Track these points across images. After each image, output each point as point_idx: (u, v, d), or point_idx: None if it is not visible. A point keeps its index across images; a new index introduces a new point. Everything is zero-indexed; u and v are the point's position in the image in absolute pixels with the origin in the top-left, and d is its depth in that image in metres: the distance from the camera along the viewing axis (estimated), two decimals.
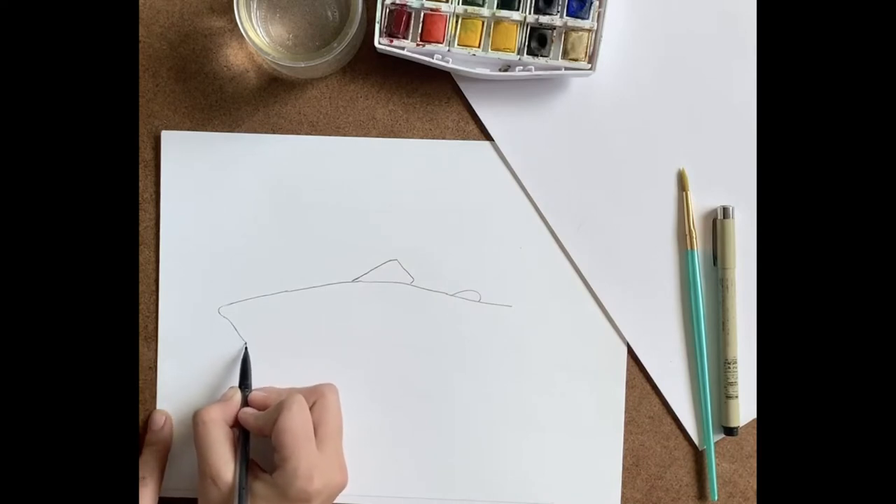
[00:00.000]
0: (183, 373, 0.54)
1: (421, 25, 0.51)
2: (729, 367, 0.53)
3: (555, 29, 0.51)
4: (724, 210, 0.53)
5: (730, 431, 0.53)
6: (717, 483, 0.54)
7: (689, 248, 0.53)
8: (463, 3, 0.51)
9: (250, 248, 0.54)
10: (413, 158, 0.54)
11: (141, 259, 0.54)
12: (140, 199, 0.54)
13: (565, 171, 0.54)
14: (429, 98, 0.54)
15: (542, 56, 0.52)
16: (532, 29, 0.51)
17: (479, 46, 0.52)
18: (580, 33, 0.51)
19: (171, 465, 0.53)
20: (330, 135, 0.54)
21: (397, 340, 0.54)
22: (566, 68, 0.51)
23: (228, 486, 0.48)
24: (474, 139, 0.54)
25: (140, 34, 0.53)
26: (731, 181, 0.54)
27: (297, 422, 0.47)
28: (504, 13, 0.51)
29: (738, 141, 0.54)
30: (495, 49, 0.51)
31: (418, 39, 0.51)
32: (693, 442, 0.54)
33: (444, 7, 0.51)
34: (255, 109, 0.54)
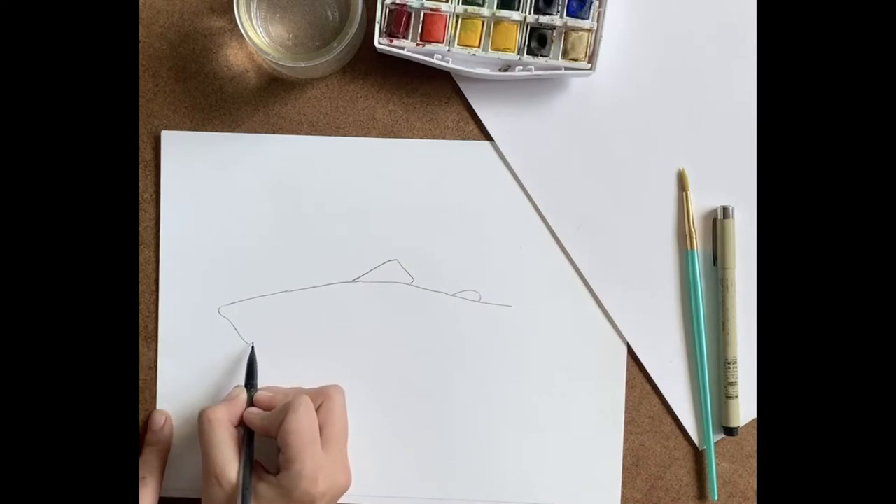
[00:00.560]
0: (183, 373, 0.54)
1: (421, 25, 0.51)
2: (729, 367, 0.53)
3: (555, 29, 0.52)
4: (724, 210, 0.53)
5: (730, 431, 0.53)
6: (717, 483, 0.54)
7: (689, 248, 0.53)
8: (463, 3, 0.51)
9: (250, 248, 0.54)
10: (413, 158, 0.54)
11: (141, 259, 0.54)
12: (140, 199, 0.54)
13: (565, 171, 0.54)
14: (429, 98, 0.54)
15: (542, 56, 0.52)
16: (532, 29, 0.51)
17: (479, 46, 0.52)
18: (580, 33, 0.51)
19: (171, 465, 0.53)
20: (330, 135, 0.54)
21: (397, 340, 0.54)
22: (566, 68, 0.51)
23: (232, 486, 0.48)
24: (474, 139, 0.54)
25: (140, 34, 0.53)
26: (731, 181, 0.54)
27: (303, 423, 0.47)
28: (504, 13, 0.51)
29: (738, 141, 0.54)
30: (495, 49, 0.51)
31: (418, 39, 0.51)
32: (693, 442, 0.54)
33: (444, 7, 0.51)
34: (255, 109, 0.54)
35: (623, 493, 0.54)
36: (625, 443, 0.54)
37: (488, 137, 0.54)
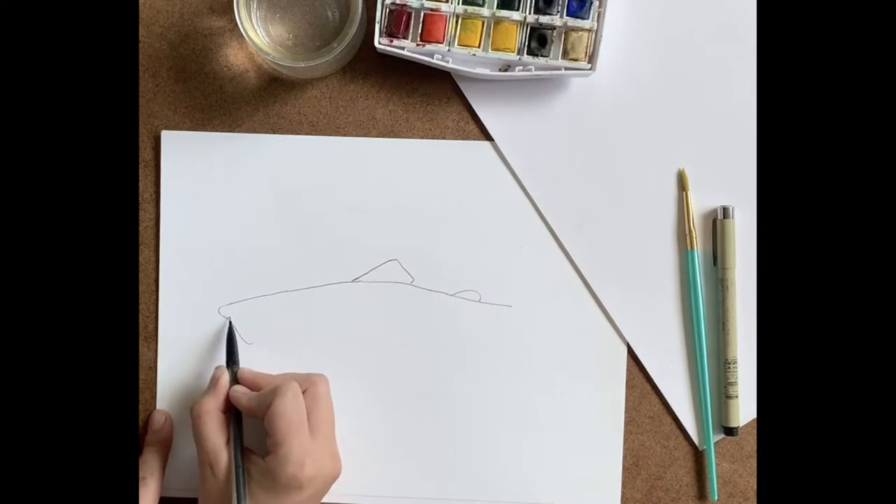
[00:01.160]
0: (183, 373, 0.54)
1: (421, 25, 0.51)
2: (729, 367, 0.53)
3: (555, 29, 0.52)
4: (724, 210, 0.53)
5: (730, 431, 0.53)
6: (717, 483, 0.54)
7: (689, 248, 0.53)
8: (463, 3, 0.51)
9: (250, 248, 0.54)
10: (413, 158, 0.54)
11: (141, 259, 0.54)
12: (140, 199, 0.54)
13: (565, 171, 0.54)
14: (429, 98, 0.54)
15: (542, 56, 0.52)
16: (532, 29, 0.51)
17: (479, 46, 0.52)
18: (580, 33, 0.51)
19: (171, 465, 0.53)
20: (330, 135, 0.54)
21: (397, 340, 0.54)
22: (566, 68, 0.51)
23: (224, 472, 0.48)
24: (474, 139, 0.54)
25: (140, 34, 0.53)
26: (731, 181, 0.54)
27: (291, 408, 0.47)
28: (504, 13, 0.51)
29: (738, 141, 0.54)
30: (495, 49, 0.51)
31: (418, 39, 0.51)
32: (693, 442, 0.54)
33: (444, 7, 0.51)
34: (255, 109, 0.54)
35: (623, 493, 0.54)
36: (625, 443, 0.54)
37: (488, 137, 0.54)
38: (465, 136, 0.54)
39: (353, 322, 0.54)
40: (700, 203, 0.54)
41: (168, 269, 0.54)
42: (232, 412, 0.50)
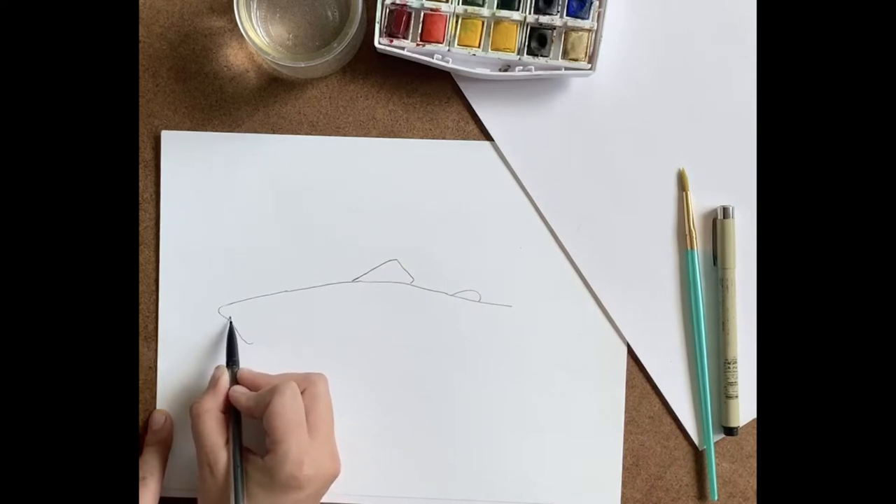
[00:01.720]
0: (183, 373, 0.54)
1: (421, 25, 0.51)
2: (729, 367, 0.53)
3: (555, 29, 0.52)
4: (724, 210, 0.53)
5: (730, 431, 0.53)
6: (717, 483, 0.54)
7: (689, 248, 0.53)
8: (463, 3, 0.51)
9: (250, 248, 0.54)
10: (413, 158, 0.54)
11: (141, 259, 0.54)
12: (140, 199, 0.54)
13: (565, 171, 0.54)
14: (429, 98, 0.54)
15: (542, 56, 0.52)
16: (532, 29, 0.51)
17: (479, 46, 0.52)
18: (580, 33, 0.51)
19: (171, 465, 0.53)
20: (330, 135, 0.54)
21: (397, 340, 0.54)
22: (566, 68, 0.51)
23: (223, 471, 0.48)
24: (474, 139, 0.54)
25: (140, 34, 0.53)
26: (731, 181, 0.54)
27: (289, 407, 0.47)
28: (504, 13, 0.51)
29: (738, 141, 0.54)
30: (495, 49, 0.51)
31: (418, 39, 0.51)
32: (693, 442, 0.54)
33: (444, 7, 0.51)
34: (255, 109, 0.54)
35: (623, 493, 0.54)
36: (625, 443, 0.54)
37: (488, 137, 0.54)
38: (465, 136, 0.54)
39: (353, 322, 0.54)
40: (700, 203, 0.54)
41: (168, 269, 0.54)
42: (231, 412, 0.50)
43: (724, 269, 0.53)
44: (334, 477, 0.50)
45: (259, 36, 0.50)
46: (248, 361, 0.53)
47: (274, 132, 0.54)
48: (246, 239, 0.54)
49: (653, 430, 0.54)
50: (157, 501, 0.51)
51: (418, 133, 0.54)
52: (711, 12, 0.53)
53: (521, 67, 0.52)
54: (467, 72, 0.52)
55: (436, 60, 0.52)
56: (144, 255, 0.54)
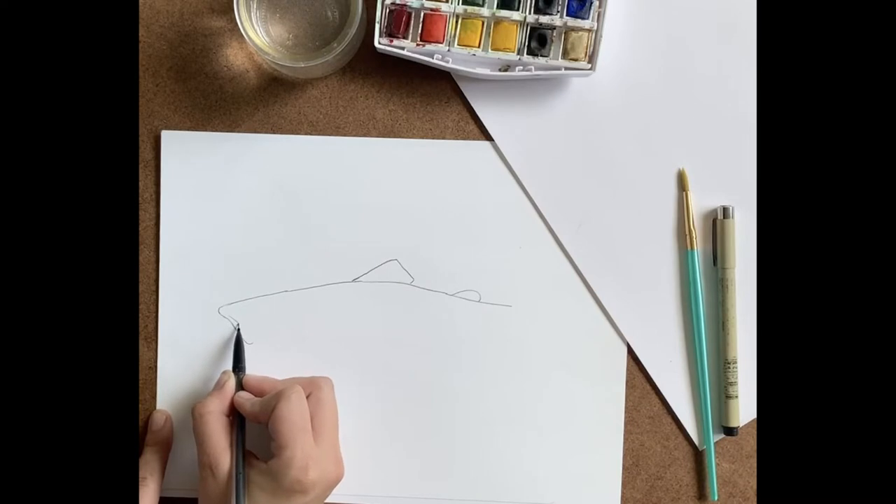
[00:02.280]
0: (183, 373, 0.54)
1: (421, 25, 0.51)
2: (729, 367, 0.53)
3: (555, 29, 0.52)
4: (724, 210, 0.53)
5: (730, 431, 0.53)
6: (717, 483, 0.54)
7: (689, 248, 0.53)
8: (463, 3, 0.51)
9: (250, 248, 0.54)
10: (413, 158, 0.54)
11: (141, 259, 0.54)
12: (140, 199, 0.54)
13: (565, 171, 0.54)
14: (429, 98, 0.54)
15: (542, 56, 0.52)
16: (532, 29, 0.51)
17: (479, 46, 0.52)
18: (580, 33, 0.51)
19: (171, 465, 0.53)
20: (330, 135, 0.54)
21: (397, 340, 0.54)
22: (566, 68, 0.51)
23: (226, 475, 0.48)
24: (474, 139, 0.54)
25: (140, 34, 0.53)
26: (731, 181, 0.54)
27: (295, 412, 0.47)
28: (504, 13, 0.51)
29: (738, 141, 0.54)
30: (495, 49, 0.51)
31: (418, 39, 0.51)
32: (693, 442, 0.54)
33: (444, 7, 0.51)
34: (255, 109, 0.54)
35: (623, 493, 0.54)
36: (625, 443, 0.54)
37: (488, 137, 0.54)
38: (465, 136, 0.54)
39: (353, 322, 0.54)
40: (700, 203, 0.54)
41: (168, 269, 0.54)
42: (236, 418, 0.50)
43: (724, 269, 0.53)
44: (338, 481, 0.49)
45: (259, 36, 0.50)
46: (248, 361, 0.53)
47: (274, 132, 0.54)
48: (246, 239, 0.54)
49: (653, 430, 0.54)
50: (156, 501, 0.51)
51: (418, 133, 0.54)
52: (711, 12, 0.53)
53: (521, 67, 0.52)
54: (467, 72, 0.52)
55: (436, 60, 0.52)
56: (144, 255, 0.54)
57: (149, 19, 0.53)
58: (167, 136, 0.54)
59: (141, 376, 0.54)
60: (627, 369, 0.54)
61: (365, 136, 0.54)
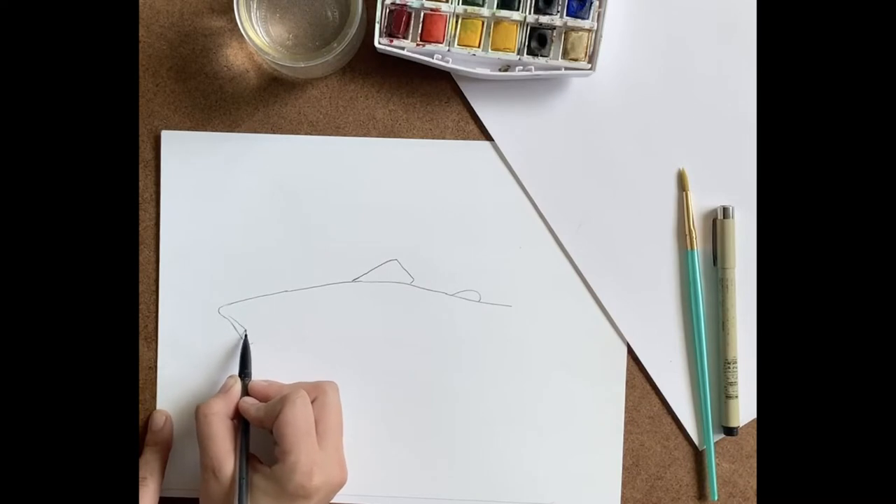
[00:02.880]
0: (183, 373, 0.54)
1: (421, 25, 0.51)
2: (729, 367, 0.53)
3: (555, 29, 0.52)
4: (724, 210, 0.53)
5: (730, 431, 0.53)
6: (717, 483, 0.54)
7: (689, 248, 0.53)
8: (463, 3, 0.51)
9: (250, 248, 0.54)
10: (413, 158, 0.54)
11: (141, 259, 0.54)
12: (140, 199, 0.54)
13: (565, 171, 0.54)
14: (429, 98, 0.54)
15: (542, 56, 0.52)
16: (532, 29, 0.51)
17: (479, 46, 0.52)
18: (580, 33, 0.51)
19: (171, 465, 0.53)
20: (330, 135, 0.54)
21: (397, 340, 0.54)
22: (566, 68, 0.51)
23: (229, 479, 0.48)
24: (474, 139, 0.54)
25: (140, 34, 0.53)
26: (731, 181, 0.54)
27: (299, 416, 0.47)
28: (504, 13, 0.51)
29: (738, 141, 0.54)
30: (495, 49, 0.51)
31: (418, 39, 0.51)
32: (693, 442, 0.54)
33: (444, 7, 0.51)
34: (255, 109, 0.54)
35: (623, 493, 0.54)
36: (625, 443, 0.54)
37: (488, 137, 0.54)
38: (465, 136, 0.54)
39: (352, 322, 0.54)
40: (700, 203, 0.54)
41: (168, 269, 0.54)
42: (240, 423, 0.50)
43: (724, 269, 0.53)
44: (341, 486, 0.49)
45: (259, 36, 0.50)
46: None
47: (274, 132, 0.54)
48: (246, 239, 0.54)
49: (653, 430, 0.54)
50: (156, 501, 0.51)
51: (418, 133, 0.54)
52: (711, 12, 0.53)
53: (521, 67, 0.52)
54: (467, 72, 0.52)
55: (436, 60, 0.52)
56: (144, 255, 0.54)
57: (149, 19, 0.53)
58: (167, 136, 0.54)
59: (141, 376, 0.54)
60: (627, 369, 0.54)
61: (365, 136, 0.54)
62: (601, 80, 0.53)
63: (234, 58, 0.54)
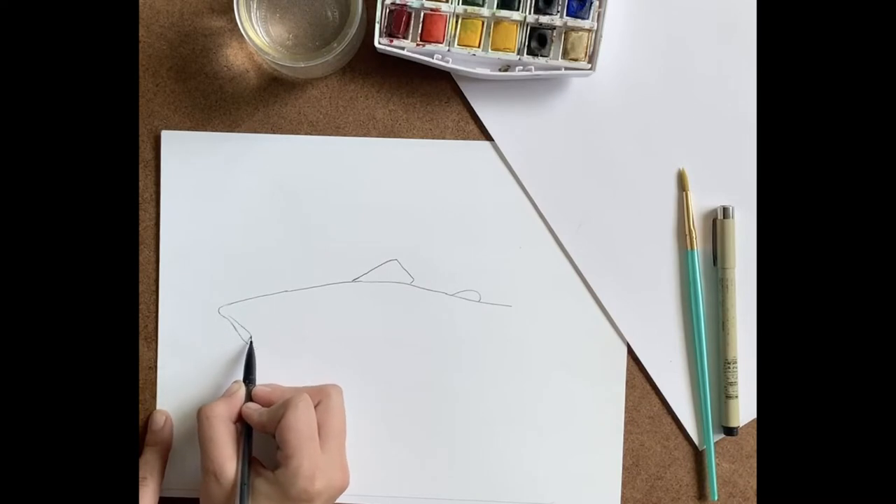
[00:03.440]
0: (183, 373, 0.54)
1: (421, 25, 0.51)
2: (729, 367, 0.53)
3: (555, 29, 0.52)
4: (724, 210, 0.53)
5: (730, 431, 0.53)
6: (717, 483, 0.54)
7: (689, 248, 0.53)
8: (463, 3, 0.51)
9: (250, 248, 0.54)
10: (413, 158, 0.54)
11: (141, 259, 0.54)
12: (140, 199, 0.54)
13: (565, 171, 0.54)
14: (429, 98, 0.54)
15: (542, 56, 0.52)
16: (532, 29, 0.51)
17: (479, 46, 0.52)
18: (580, 33, 0.51)
19: (171, 465, 0.53)
20: (330, 135, 0.54)
21: (397, 340, 0.54)
22: (566, 68, 0.51)
23: (230, 482, 0.48)
24: (474, 139, 0.54)
25: (140, 34, 0.53)
26: (731, 181, 0.54)
27: (302, 421, 0.47)
28: (504, 13, 0.51)
29: (738, 141, 0.54)
30: (495, 49, 0.51)
31: (418, 39, 0.51)
32: (693, 442, 0.54)
33: (444, 7, 0.51)
34: (255, 109, 0.54)
35: (623, 493, 0.54)
36: (625, 443, 0.54)
37: (488, 137, 0.54)
38: (465, 136, 0.54)
39: (352, 322, 0.54)
40: (700, 203, 0.54)
41: (168, 269, 0.54)
42: (243, 428, 0.50)
43: (724, 269, 0.53)
44: (343, 490, 0.49)
45: (259, 36, 0.50)
46: None
47: (274, 132, 0.54)
48: (246, 239, 0.54)
49: (653, 430, 0.54)
50: (156, 501, 0.51)
51: (418, 133, 0.54)
52: (711, 12, 0.53)
53: (521, 67, 0.52)
54: (467, 72, 0.52)
55: (436, 60, 0.52)
56: (144, 255, 0.54)
57: (149, 19, 0.53)
58: (167, 136, 0.54)
59: (141, 376, 0.54)
60: (627, 369, 0.54)
61: (365, 136, 0.54)
62: (601, 80, 0.53)
63: (234, 58, 0.54)
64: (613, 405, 0.54)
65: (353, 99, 0.54)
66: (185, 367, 0.54)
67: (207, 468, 0.48)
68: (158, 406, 0.54)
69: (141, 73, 0.53)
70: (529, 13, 0.51)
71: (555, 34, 0.52)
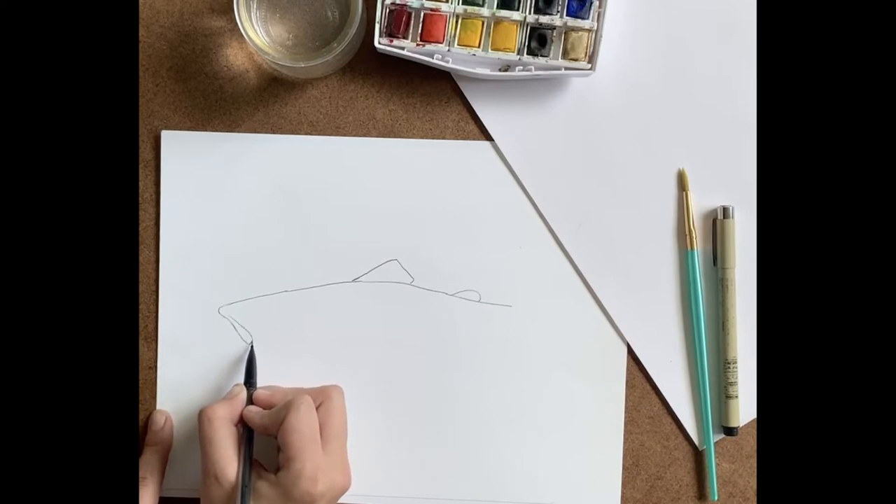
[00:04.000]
0: (183, 372, 0.54)
1: (421, 25, 0.51)
2: (729, 367, 0.53)
3: (555, 29, 0.52)
4: (724, 210, 0.53)
5: (730, 431, 0.53)
6: (717, 483, 0.54)
7: (689, 248, 0.53)
8: (463, 3, 0.51)
9: (250, 248, 0.54)
10: (413, 158, 0.54)
11: (141, 259, 0.54)
12: (140, 199, 0.54)
13: (565, 171, 0.54)
14: (429, 98, 0.54)
15: (542, 56, 0.52)
16: (532, 29, 0.51)
17: (479, 46, 0.52)
18: (580, 33, 0.51)
19: (171, 465, 0.53)
20: (330, 135, 0.54)
21: (397, 340, 0.54)
22: (566, 68, 0.51)
23: (231, 485, 0.48)
24: (474, 139, 0.54)
25: (140, 34, 0.53)
26: (731, 181, 0.54)
27: (304, 423, 0.47)
28: (504, 13, 0.51)
29: (738, 141, 0.54)
30: (495, 49, 0.51)
31: (418, 39, 0.51)
32: (693, 442, 0.54)
33: (444, 7, 0.51)
34: (255, 109, 0.54)
35: (623, 493, 0.54)
36: (625, 443, 0.54)
37: (488, 137, 0.54)
38: (465, 136, 0.54)
39: (352, 322, 0.54)
40: (700, 203, 0.54)
41: (168, 269, 0.54)
42: (245, 431, 0.50)
43: (724, 269, 0.53)
44: (345, 491, 0.49)
45: (259, 36, 0.50)
46: None
47: (274, 132, 0.54)
48: (246, 239, 0.54)
49: (653, 430, 0.54)
50: (156, 501, 0.51)
51: (418, 133, 0.54)
52: (711, 12, 0.53)
53: (521, 67, 0.52)
54: (467, 72, 0.52)
55: (436, 60, 0.52)
56: (144, 255, 0.54)
57: (149, 19, 0.53)
58: (167, 136, 0.54)
59: (141, 376, 0.54)
60: (627, 369, 0.54)
61: (365, 136, 0.54)
62: (601, 80, 0.53)
63: (234, 58, 0.54)
64: (613, 405, 0.54)
65: (353, 99, 0.54)
66: (185, 368, 0.54)
67: (208, 470, 0.48)
68: (158, 406, 0.54)
69: (141, 73, 0.53)
70: (529, 13, 0.51)
71: (555, 34, 0.52)
